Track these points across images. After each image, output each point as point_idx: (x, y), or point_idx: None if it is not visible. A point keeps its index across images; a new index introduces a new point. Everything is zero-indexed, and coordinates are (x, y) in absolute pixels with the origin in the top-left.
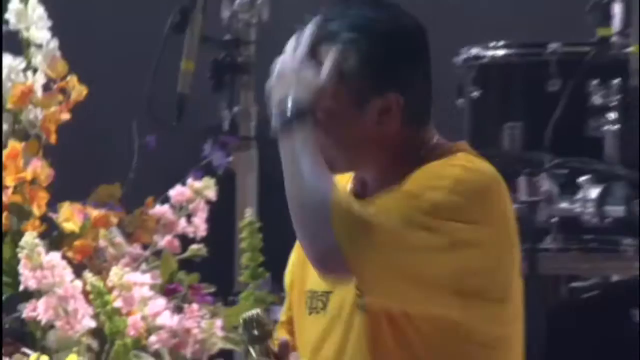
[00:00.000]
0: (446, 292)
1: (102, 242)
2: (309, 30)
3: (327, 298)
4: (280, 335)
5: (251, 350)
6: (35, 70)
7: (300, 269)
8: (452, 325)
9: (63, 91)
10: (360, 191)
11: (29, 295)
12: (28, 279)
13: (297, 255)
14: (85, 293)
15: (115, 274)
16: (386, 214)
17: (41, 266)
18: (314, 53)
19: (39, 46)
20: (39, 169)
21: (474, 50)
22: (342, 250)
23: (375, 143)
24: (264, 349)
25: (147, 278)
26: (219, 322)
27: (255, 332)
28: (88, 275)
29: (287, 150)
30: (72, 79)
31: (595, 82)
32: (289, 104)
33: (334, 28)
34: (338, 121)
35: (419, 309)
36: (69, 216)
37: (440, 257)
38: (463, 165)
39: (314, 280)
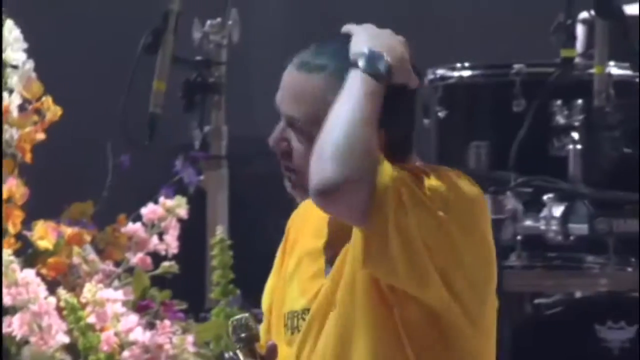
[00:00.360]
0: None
1: (75, 260)
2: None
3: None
4: None
5: (239, 353)
6: (11, 91)
7: (279, 292)
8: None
9: (38, 112)
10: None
11: (5, 311)
12: (3, 295)
13: (275, 280)
14: (59, 309)
15: (89, 290)
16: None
17: (16, 283)
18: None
19: (15, 67)
20: (14, 187)
21: (440, 71)
22: (371, 200)
23: None
24: (251, 351)
25: (119, 295)
26: (190, 338)
27: (243, 335)
28: (62, 291)
29: (358, 91)
30: (47, 100)
31: (559, 102)
32: (385, 62)
33: (321, 61)
34: None
35: (408, 285)
36: (44, 234)
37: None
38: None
39: (293, 300)
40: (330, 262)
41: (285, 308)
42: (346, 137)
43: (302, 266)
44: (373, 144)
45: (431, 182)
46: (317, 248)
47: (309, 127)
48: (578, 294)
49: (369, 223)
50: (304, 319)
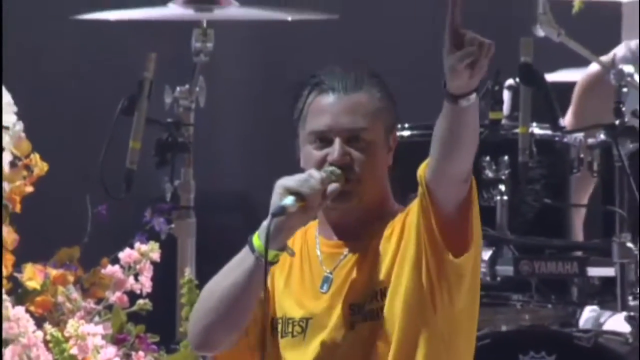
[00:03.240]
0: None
1: (60, 298)
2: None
3: (306, 324)
4: None
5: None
6: (2, 149)
7: (282, 296)
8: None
9: (27, 167)
10: (339, 235)
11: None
12: None
13: (282, 283)
14: (46, 342)
15: (72, 325)
16: None
17: (8, 318)
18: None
19: (6, 128)
20: (6, 234)
21: None
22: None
23: (384, 180)
24: None
25: (99, 329)
26: None
27: None
28: (48, 326)
29: (475, 109)
30: (35, 157)
31: (487, 158)
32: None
33: (357, 82)
34: (376, 153)
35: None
36: (32, 275)
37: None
38: None
39: (291, 308)
40: (325, 281)
41: (279, 312)
42: None
43: (294, 282)
44: None
45: None
46: (312, 267)
47: (371, 135)
48: (504, 328)
49: None
50: (301, 327)
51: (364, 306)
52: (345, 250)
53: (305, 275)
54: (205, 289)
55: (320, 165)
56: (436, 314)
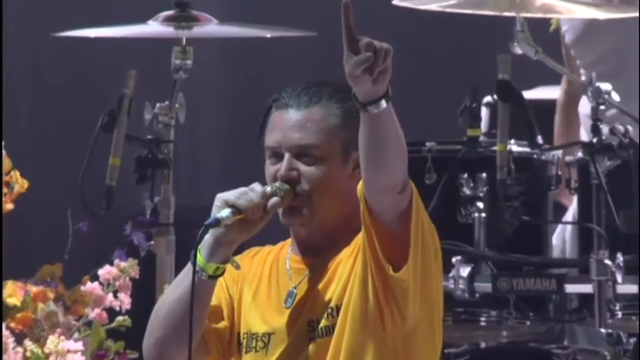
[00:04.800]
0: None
1: (40, 315)
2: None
3: (268, 339)
4: None
5: None
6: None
7: (248, 311)
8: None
9: (7, 184)
10: (302, 252)
11: None
12: None
13: (250, 297)
14: (26, 358)
15: (52, 342)
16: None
17: None
18: (309, 112)
19: None
20: None
21: None
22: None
23: (344, 197)
24: None
25: (79, 345)
26: None
27: None
28: (28, 343)
29: (390, 116)
30: (15, 174)
31: (465, 175)
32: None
33: (312, 96)
34: (328, 169)
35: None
36: (12, 292)
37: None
38: None
39: (255, 323)
40: (290, 295)
41: (244, 328)
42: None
43: (261, 296)
44: None
45: None
46: (280, 281)
47: (323, 151)
48: (483, 344)
49: None
50: (264, 342)
51: (320, 322)
52: (310, 266)
53: (272, 290)
54: (157, 304)
55: (273, 179)
56: (385, 330)
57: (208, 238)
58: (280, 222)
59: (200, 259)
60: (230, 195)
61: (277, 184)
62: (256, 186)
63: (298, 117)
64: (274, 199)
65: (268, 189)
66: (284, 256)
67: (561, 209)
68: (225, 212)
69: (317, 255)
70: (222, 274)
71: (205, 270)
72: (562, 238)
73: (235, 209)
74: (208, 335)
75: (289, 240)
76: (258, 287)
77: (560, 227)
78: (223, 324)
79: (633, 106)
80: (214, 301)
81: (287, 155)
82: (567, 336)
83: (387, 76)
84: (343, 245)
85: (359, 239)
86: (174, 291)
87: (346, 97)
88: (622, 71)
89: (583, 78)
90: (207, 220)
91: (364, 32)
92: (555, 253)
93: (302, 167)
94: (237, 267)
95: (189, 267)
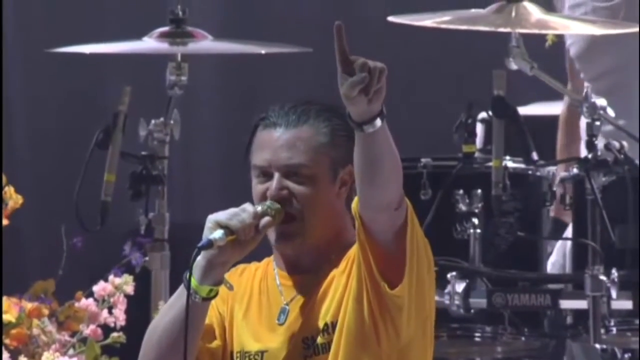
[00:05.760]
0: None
1: (35, 331)
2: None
3: (261, 357)
4: None
5: None
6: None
7: (240, 329)
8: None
9: (2, 200)
10: (289, 269)
11: None
12: None
13: (241, 315)
14: None
15: (47, 358)
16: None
17: None
18: (298, 131)
19: None
20: None
21: None
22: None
23: (334, 215)
24: None
25: None
26: None
27: None
28: (23, 359)
29: (385, 134)
30: (10, 190)
31: (460, 191)
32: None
33: (300, 115)
34: (318, 188)
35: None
36: (7, 309)
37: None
38: None
39: (248, 341)
40: (282, 312)
41: (238, 347)
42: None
43: (252, 314)
44: None
45: None
46: (271, 298)
47: (312, 170)
48: None
49: None
50: (256, 359)
51: (315, 340)
52: (299, 283)
53: (263, 307)
54: (150, 325)
55: (262, 199)
56: (380, 346)
57: (200, 260)
58: (264, 239)
59: (194, 281)
60: (222, 216)
61: (268, 202)
62: (247, 206)
63: (287, 137)
64: (265, 219)
65: (259, 208)
66: (272, 272)
67: (562, 225)
68: (218, 234)
69: (304, 273)
70: (216, 295)
71: (198, 292)
72: (562, 254)
73: (228, 229)
74: (202, 356)
75: (272, 256)
76: (249, 304)
77: (560, 243)
78: (216, 343)
79: (634, 122)
80: (206, 321)
81: (277, 175)
82: (567, 354)
83: (382, 95)
84: (337, 260)
85: (351, 254)
86: (167, 313)
87: (333, 115)
88: (625, 87)
89: (585, 92)
90: (200, 242)
91: (358, 50)
92: (556, 269)
93: (292, 187)
94: (231, 288)
95: (182, 289)
